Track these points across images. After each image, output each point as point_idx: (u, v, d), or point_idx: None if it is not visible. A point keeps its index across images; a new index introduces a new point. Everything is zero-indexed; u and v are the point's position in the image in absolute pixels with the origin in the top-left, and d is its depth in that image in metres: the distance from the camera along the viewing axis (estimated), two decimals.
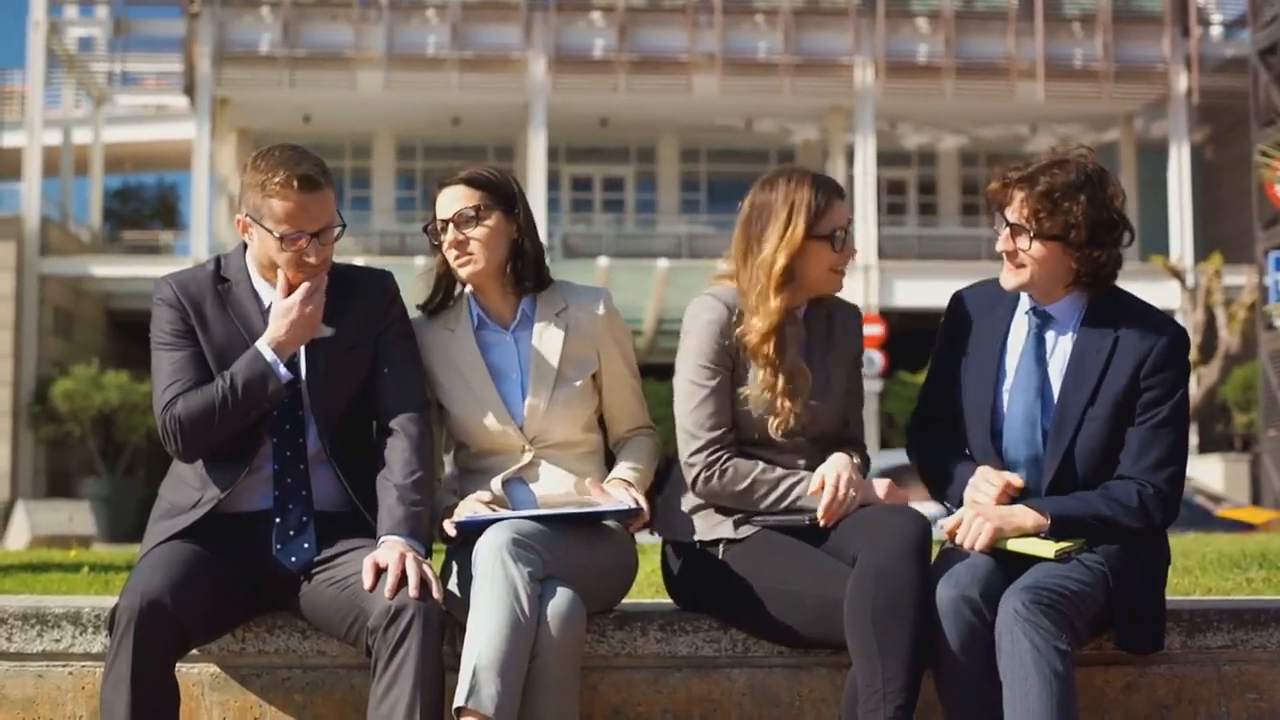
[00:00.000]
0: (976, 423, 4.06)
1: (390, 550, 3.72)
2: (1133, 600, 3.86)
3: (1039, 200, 3.89)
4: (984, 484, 3.93)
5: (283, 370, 3.87)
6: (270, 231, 3.88)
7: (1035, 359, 4.03)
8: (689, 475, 4.09)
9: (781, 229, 4.07)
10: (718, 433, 4.07)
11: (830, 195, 4.10)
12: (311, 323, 3.91)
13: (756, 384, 4.08)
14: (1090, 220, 3.89)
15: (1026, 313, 4.07)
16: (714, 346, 4.10)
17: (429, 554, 3.88)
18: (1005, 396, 4.04)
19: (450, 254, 4.13)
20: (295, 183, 3.85)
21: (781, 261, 4.05)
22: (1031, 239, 3.92)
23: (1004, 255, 4.00)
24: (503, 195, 4.15)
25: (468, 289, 4.23)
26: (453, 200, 4.14)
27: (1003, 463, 4.02)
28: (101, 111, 37.95)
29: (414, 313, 4.24)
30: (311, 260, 3.90)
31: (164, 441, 3.92)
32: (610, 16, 33.18)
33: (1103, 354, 3.96)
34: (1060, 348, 4.03)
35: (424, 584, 3.65)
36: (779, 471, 4.06)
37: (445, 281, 4.24)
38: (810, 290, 4.15)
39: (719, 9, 32.99)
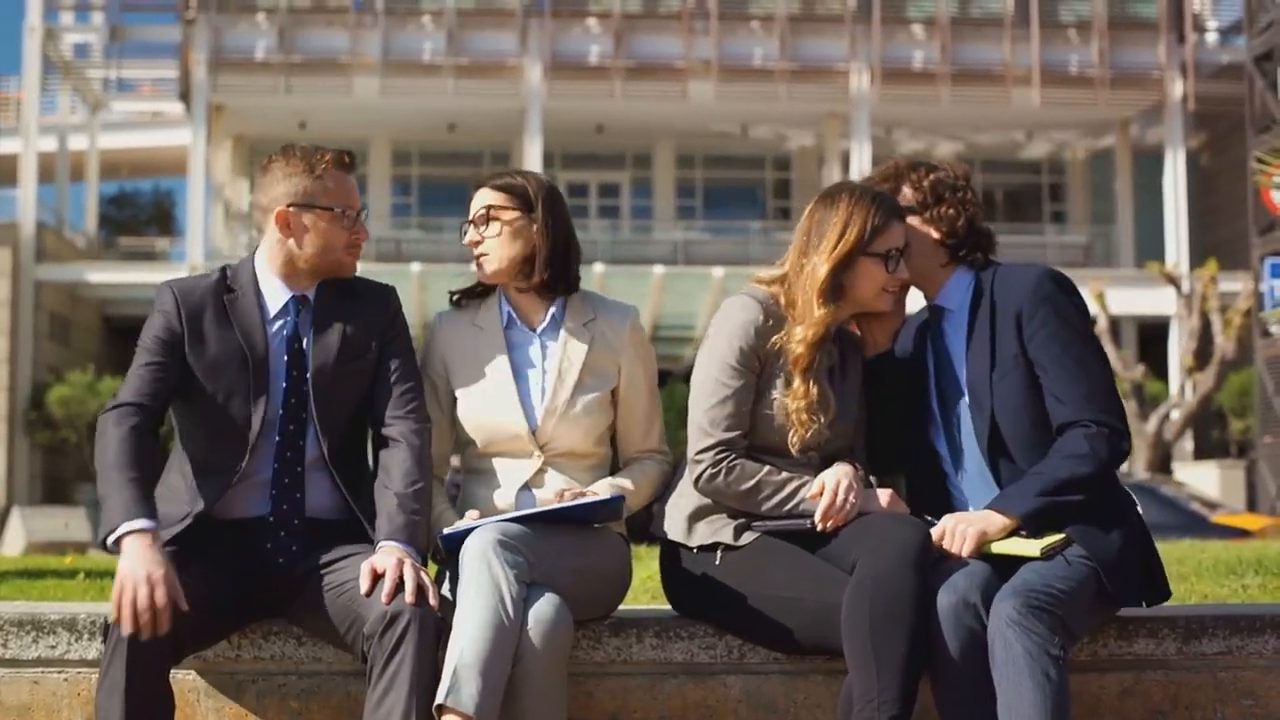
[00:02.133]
0: (923, 435, 4.17)
1: (387, 555, 3.72)
2: (1125, 573, 3.87)
3: (881, 185, 4.19)
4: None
5: (110, 539, 3.70)
6: (331, 209, 4.00)
7: (947, 357, 4.12)
8: (694, 471, 4.07)
9: (834, 242, 4.05)
10: (732, 434, 4.04)
11: (890, 216, 4.08)
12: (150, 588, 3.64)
13: (788, 392, 4.06)
14: (931, 184, 4.13)
15: (929, 313, 4.21)
16: (744, 347, 4.07)
17: (425, 563, 3.88)
18: (934, 404, 4.14)
19: (473, 253, 4.24)
20: (346, 159, 4.08)
21: (824, 270, 4.03)
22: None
23: None
24: (520, 196, 4.21)
25: (499, 288, 4.28)
26: (476, 201, 4.25)
27: (949, 464, 4.12)
28: (97, 117, 37.98)
29: (423, 318, 4.27)
30: (362, 237, 4.12)
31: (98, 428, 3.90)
32: (606, 22, 33.23)
33: (986, 318, 4.05)
34: (959, 334, 4.11)
35: (420, 589, 3.65)
36: (784, 475, 4.04)
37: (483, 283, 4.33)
38: (858, 307, 4.14)
39: (715, 15, 33.04)
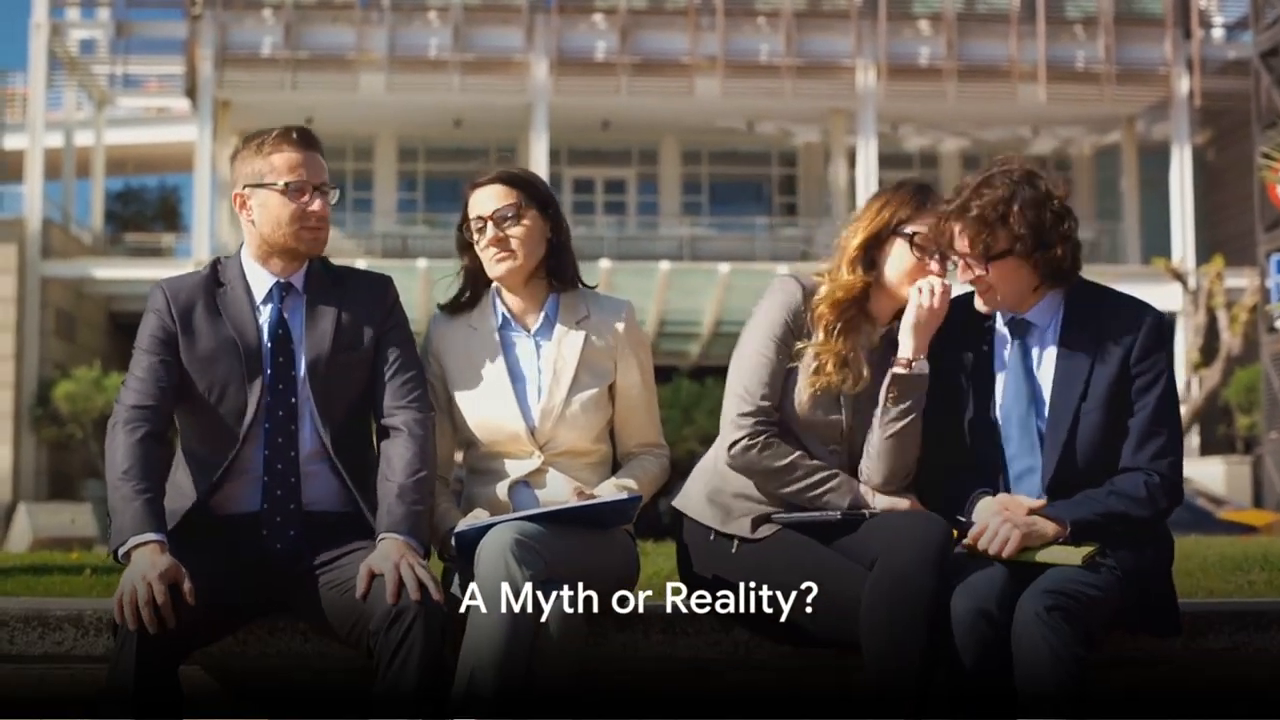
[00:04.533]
0: (978, 442, 4.06)
1: (385, 557, 3.73)
2: (1148, 597, 3.91)
3: (976, 226, 3.92)
4: (1004, 510, 3.92)
5: (120, 551, 3.76)
6: (274, 185, 4.00)
7: (1024, 371, 4.04)
8: (731, 436, 4.07)
9: (870, 219, 4.15)
10: (770, 404, 4.08)
11: (923, 202, 4.12)
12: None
13: (814, 342, 4.10)
14: (1032, 225, 3.91)
15: (1006, 324, 4.08)
16: (785, 322, 4.12)
17: (428, 554, 3.89)
18: (999, 413, 4.05)
19: (489, 251, 4.16)
20: (294, 135, 4.05)
21: (856, 241, 4.13)
22: (985, 264, 3.94)
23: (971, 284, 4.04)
24: (538, 194, 4.20)
25: (494, 288, 4.24)
26: (490, 198, 4.17)
27: (1006, 475, 4.04)
28: (103, 114, 37.98)
29: (428, 313, 4.26)
30: (316, 209, 4.02)
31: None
32: (612, 18, 33.21)
33: (1088, 349, 3.99)
34: (1046, 351, 4.05)
35: (423, 586, 3.66)
36: (816, 463, 4.08)
37: (473, 281, 4.26)
38: (890, 292, 4.14)
39: (721, 11, 33.02)
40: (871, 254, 4.12)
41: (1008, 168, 3.98)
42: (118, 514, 3.76)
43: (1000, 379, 4.07)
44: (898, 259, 4.12)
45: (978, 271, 3.97)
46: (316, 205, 4.03)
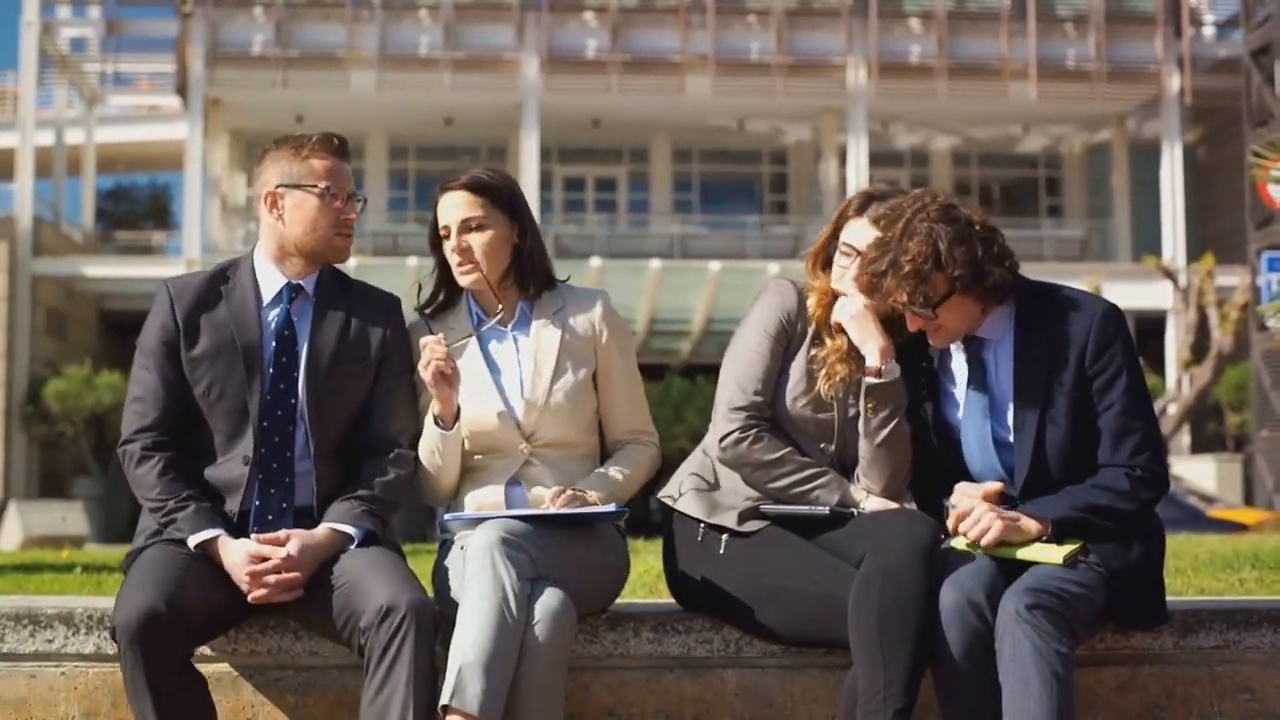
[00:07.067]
0: (949, 454, 4.07)
1: (299, 541, 3.80)
2: (1133, 594, 3.89)
3: (912, 281, 3.86)
4: (965, 498, 3.93)
5: (193, 543, 3.85)
6: (313, 188, 4.00)
7: (982, 384, 4.02)
8: (723, 429, 4.10)
9: (824, 231, 4.27)
10: (762, 399, 4.11)
11: (860, 208, 4.15)
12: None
13: (822, 348, 4.15)
14: (965, 261, 3.86)
15: (961, 341, 4.05)
16: (780, 322, 4.16)
17: (370, 540, 3.90)
18: (958, 431, 4.05)
19: (453, 259, 4.15)
20: (335, 141, 4.08)
21: (810, 251, 4.25)
22: (932, 309, 3.90)
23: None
24: (505, 200, 4.17)
25: (467, 289, 4.24)
26: (455, 206, 4.15)
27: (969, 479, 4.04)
28: (94, 112, 37.94)
29: (411, 315, 4.26)
30: (352, 218, 4.06)
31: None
32: (603, 17, 33.22)
33: (1041, 352, 3.95)
34: (1003, 362, 4.01)
35: (291, 584, 3.77)
36: (807, 459, 4.10)
37: (446, 283, 4.26)
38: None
39: (711, 9, 33.03)
40: (827, 261, 4.20)
41: (921, 205, 3.93)
42: (174, 525, 3.84)
43: (960, 394, 4.06)
44: (834, 267, 4.17)
45: (925, 317, 3.93)
46: (351, 214, 4.06)
